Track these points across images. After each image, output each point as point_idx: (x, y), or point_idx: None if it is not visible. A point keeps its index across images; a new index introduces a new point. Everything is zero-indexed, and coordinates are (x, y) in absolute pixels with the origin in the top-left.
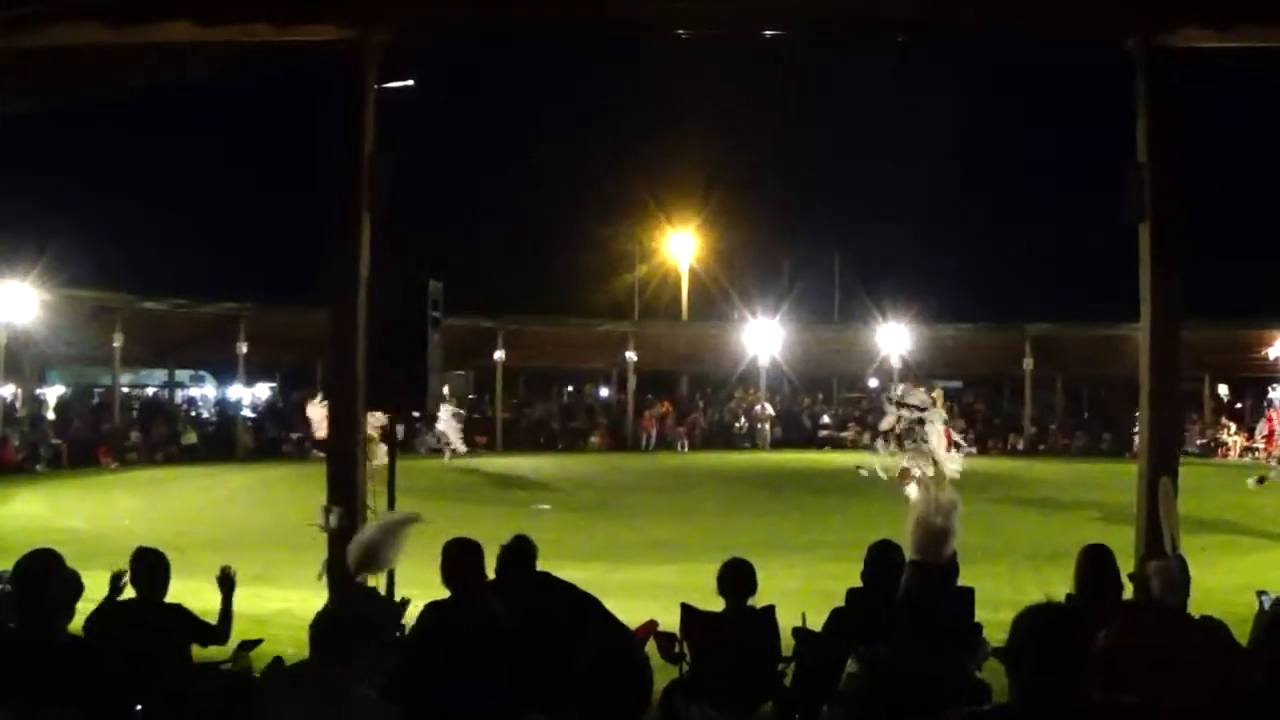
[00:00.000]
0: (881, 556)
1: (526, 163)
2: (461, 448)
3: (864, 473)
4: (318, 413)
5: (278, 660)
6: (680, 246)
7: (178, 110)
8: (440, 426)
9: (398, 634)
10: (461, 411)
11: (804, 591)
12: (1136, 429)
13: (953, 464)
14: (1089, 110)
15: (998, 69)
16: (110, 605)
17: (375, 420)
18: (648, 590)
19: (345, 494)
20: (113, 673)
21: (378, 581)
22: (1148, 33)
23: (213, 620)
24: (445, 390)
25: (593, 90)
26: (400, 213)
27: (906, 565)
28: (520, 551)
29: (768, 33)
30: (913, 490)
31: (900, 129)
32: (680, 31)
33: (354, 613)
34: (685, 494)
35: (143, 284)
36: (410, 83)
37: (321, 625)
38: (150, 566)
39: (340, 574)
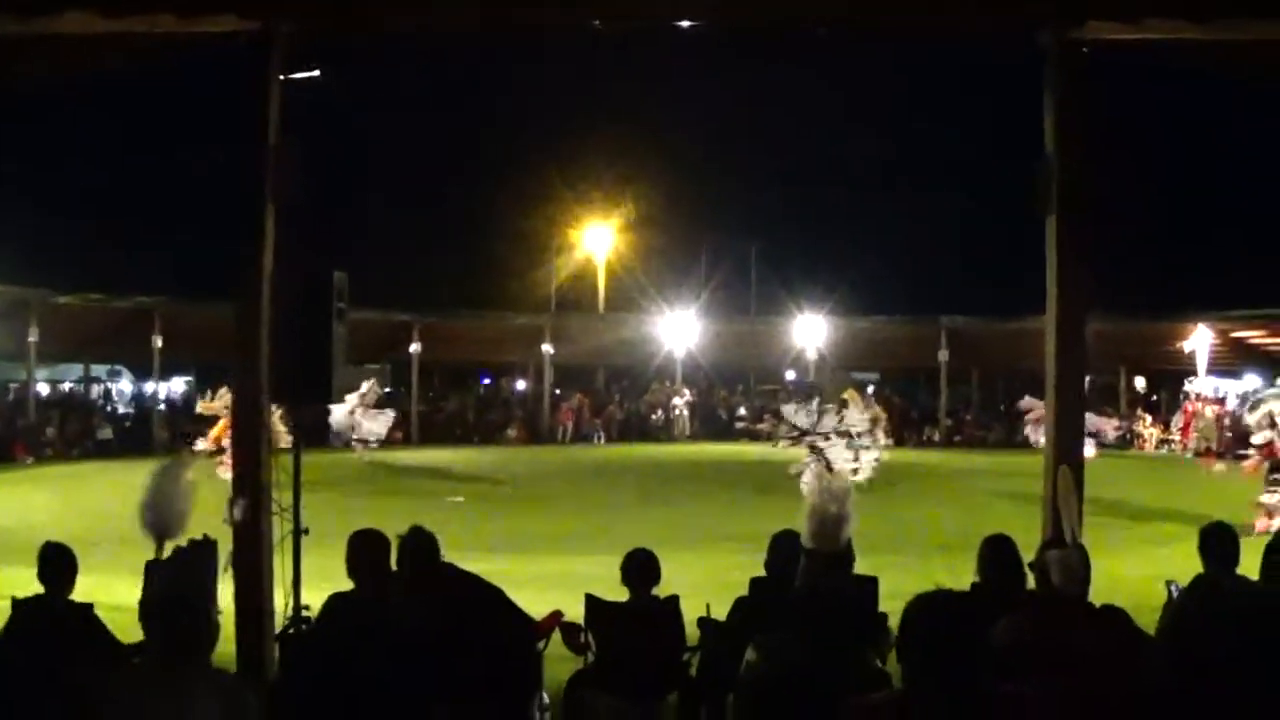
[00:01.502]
0: (784, 545)
1: (444, 156)
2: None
3: (796, 470)
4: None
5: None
6: (597, 240)
7: (91, 102)
8: (360, 419)
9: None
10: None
11: (711, 583)
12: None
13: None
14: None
15: (911, 64)
16: (19, 601)
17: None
18: (558, 581)
19: (250, 487)
20: (13, 668)
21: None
22: (1057, 26)
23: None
24: (365, 386)
25: (510, 81)
26: (308, 205)
27: (802, 554)
28: (419, 542)
29: (684, 24)
30: (807, 479)
31: (817, 124)
32: (595, 23)
33: (178, 594)
34: (599, 486)
35: (57, 279)
36: (316, 73)
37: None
38: (56, 560)
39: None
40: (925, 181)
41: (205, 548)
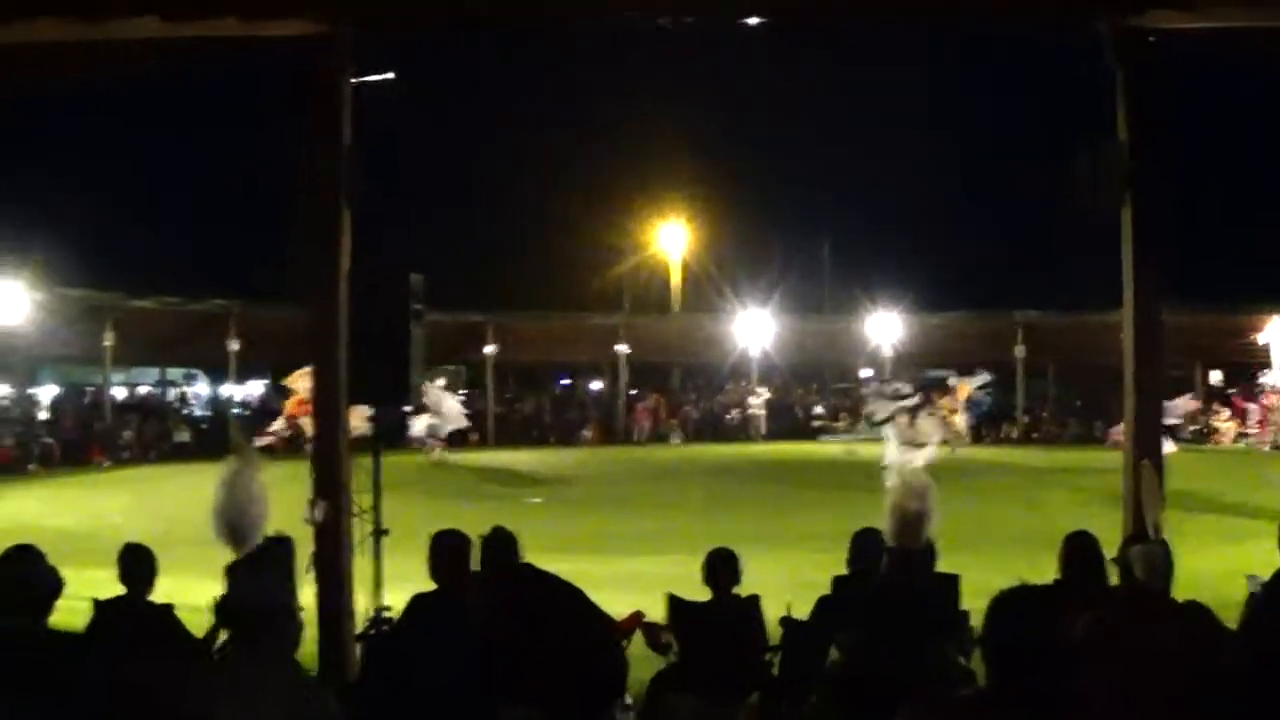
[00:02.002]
0: (865, 544)
1: (515, 156)
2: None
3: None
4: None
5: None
6: (670, 238)
7: (165, 105)
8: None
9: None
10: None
11: (791, 583)
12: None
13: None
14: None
15: (986, 54)
16: (101, 602)
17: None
18: (636, 582)
19: (330, 488)
20: (96, 668)
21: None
22: (1117, 15)
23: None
24: (442, 382)
25: (582, 81)
26: (383, 207)
27: (884, 551)
28: (500, 543)
29: (751, 21)
30: (890, 478)
31: (890, 117)
32: (660, 21)
33: (259, 596)
34: (676, 486)
35: (133, 282)
36: (390, 76)
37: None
38: (137, 562)
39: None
40: (999, 174)
41: (282, 545)
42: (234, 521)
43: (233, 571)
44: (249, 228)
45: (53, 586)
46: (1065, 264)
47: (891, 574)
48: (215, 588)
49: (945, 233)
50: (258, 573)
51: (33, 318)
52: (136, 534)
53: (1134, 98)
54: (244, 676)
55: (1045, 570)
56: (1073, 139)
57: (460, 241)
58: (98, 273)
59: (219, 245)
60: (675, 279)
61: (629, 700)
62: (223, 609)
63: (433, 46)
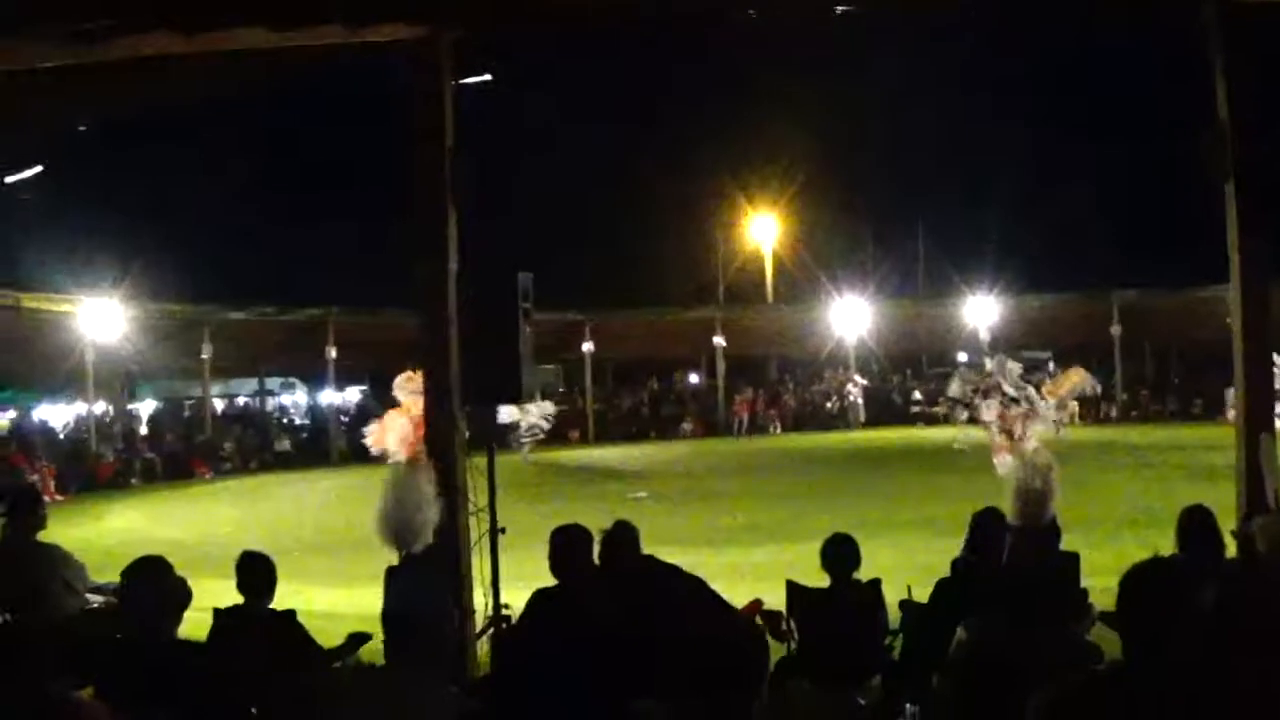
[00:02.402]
0: (985, 525)
1: (607, 153)
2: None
3: (960, 446)
4: (390, 421)
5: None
6: (763, 229)
7: (251, 116)
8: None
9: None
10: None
11: (904, 567)
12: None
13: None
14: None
15: (1078, 32)
16: (221, 611)
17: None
18: (749, 572)
19: (446, 487)
20: (221, 676)
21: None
22: None
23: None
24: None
25: (669, 74)
26: (484, 206)
27: (1008, 532)
28: (623, 536)
29: (838, 9)
30: (1004, 462)
31: (981, 95)
32: (750, 11)
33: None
34: (780, 477)
35: (228, 294)
36: (488, 77)
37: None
38: (256, 571)
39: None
40: (1092, 152)
41: (442, 554)
42: (401, 526)
43: (393, 575)
44: (342, 236)
45: (182, 597)
46: (1159, 240)
47: (1017, 553)
48: (331, 595)
49: (1040, 214)
50: (418, 578)
51: (129, 334)
52: (247, 544)
53: (1234, 76)
54: (398, 682)
55: (1153, 547)
56: (1174, 117)
57: (554, 240)
58: (192, 286)
59: (313, 253)
60: (769, 270)
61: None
62: (384, 614)
63: (529, 46)
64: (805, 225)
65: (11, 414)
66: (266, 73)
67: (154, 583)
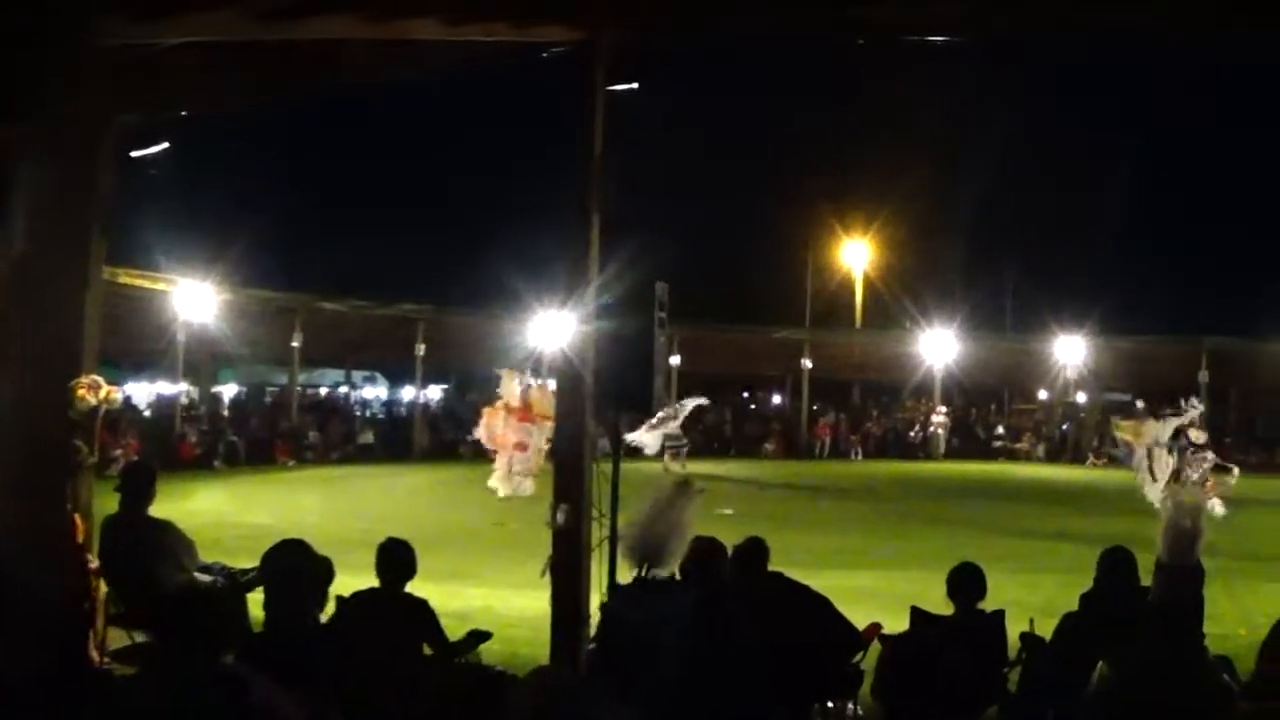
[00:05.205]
0: (1115, 562)
1: (700, 170)
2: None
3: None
4: (490, 418)
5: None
6: (854, 253)
7: (353, 108)
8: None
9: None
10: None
11: (1010, 600)
12: None
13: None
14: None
15: (1176, 74)
16: (356, 595)
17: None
18: (848, 595)
19: (573, 492)
20: (360, 659)
21: None
22: None
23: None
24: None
25: (765, 98)
26: (625, 214)
27: (1156, 568)
28: (756, 552)
29: (941, 39)
30: (1153, 493)
31: (1077, 134)
32: (859, 41)
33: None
34: (866, 502)
35: (320, 283)
36: (635, 85)
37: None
38: (398, 557)
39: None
40: (1190, 197)
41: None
42: (653, 546)
43: (620, 590)
44: (444, 236)
45: (326, 575)
46: (1255, 288)
47: (1164, 591)
48: (423, 589)
49: (1131, 254)
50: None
51: (221, 318)
52: (336, 532)
53: None
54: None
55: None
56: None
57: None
58: (286, 273)
59: (412, 248)
60: (859, 295)
61: (860, 711)
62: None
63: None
64: (897, 253)
65: None
66: (417, 67)
67: (299, 564)
